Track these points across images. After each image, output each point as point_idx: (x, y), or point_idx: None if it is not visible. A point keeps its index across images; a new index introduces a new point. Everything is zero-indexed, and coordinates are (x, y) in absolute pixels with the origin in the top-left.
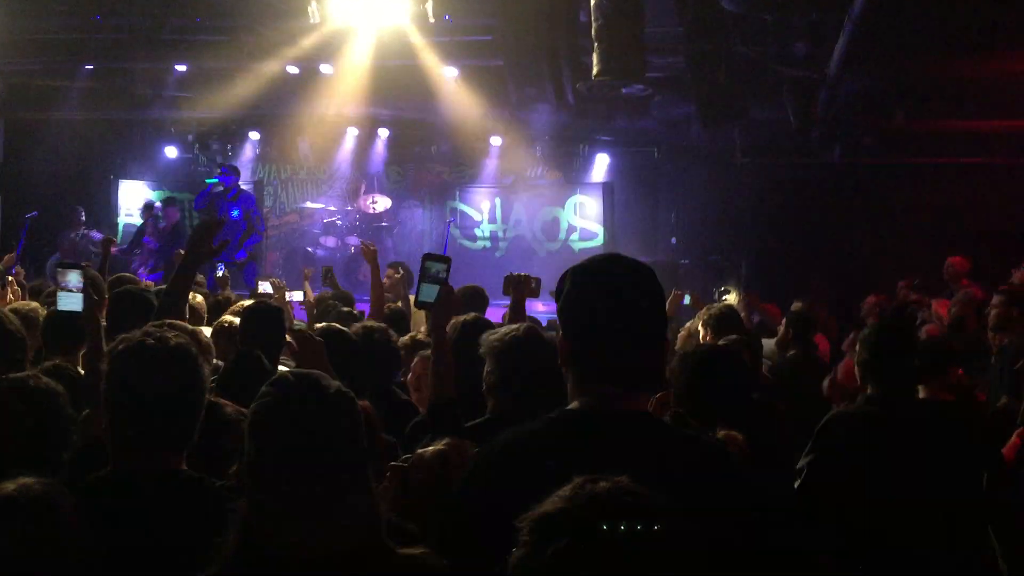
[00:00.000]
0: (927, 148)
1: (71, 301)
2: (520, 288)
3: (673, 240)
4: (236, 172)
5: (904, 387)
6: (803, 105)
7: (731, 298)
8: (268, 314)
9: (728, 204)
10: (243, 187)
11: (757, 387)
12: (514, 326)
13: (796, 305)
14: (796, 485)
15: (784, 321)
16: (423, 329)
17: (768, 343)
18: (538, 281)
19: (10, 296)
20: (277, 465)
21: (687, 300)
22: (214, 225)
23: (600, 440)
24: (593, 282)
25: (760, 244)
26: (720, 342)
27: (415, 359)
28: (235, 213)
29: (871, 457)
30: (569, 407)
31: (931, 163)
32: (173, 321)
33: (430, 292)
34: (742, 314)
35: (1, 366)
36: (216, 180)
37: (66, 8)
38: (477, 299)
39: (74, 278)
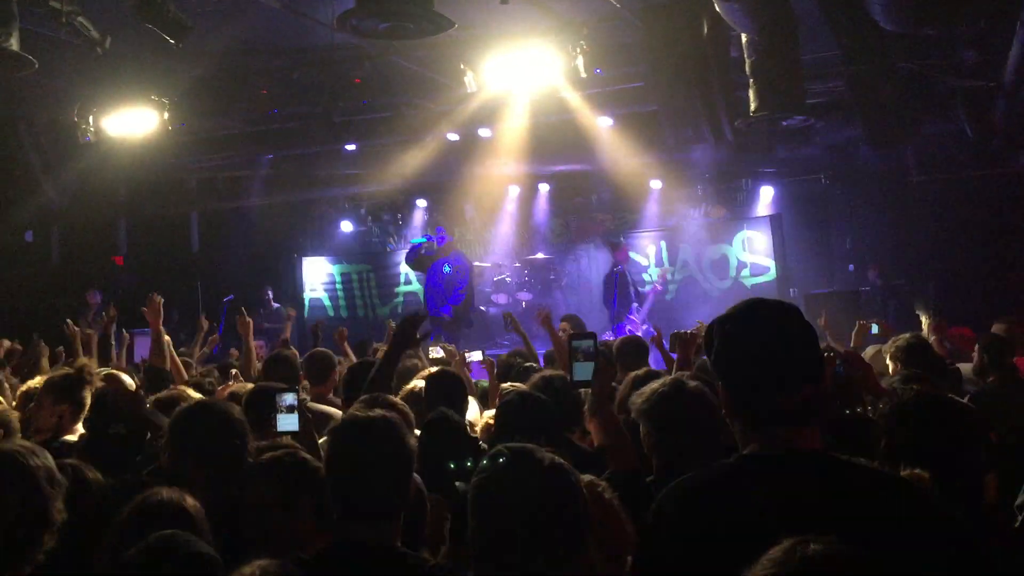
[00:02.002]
0: None
1: (288, 422)
2: (687, 346)
3: (851, 267)
4: (449, 232)
5: None
6: (979, 115)
7: (922, 323)
8: (451, 381)
9: (906, 225)
10: (455, 246)
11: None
12: (657, 383)
13: (996, 327)
14: (1017, 525)
15: (977, 347)
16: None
17: (966, 368)
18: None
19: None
20: (498, 539)
21: (875, 329)
22: (419, 318)
23: (784, 482)
24: (742, 329)
25: (946, 264)
26: (902, 383)
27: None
28: (447, 269)
29: None
30: (745, 452)
31: None
32: (384, 395)
33: (584, 371)
34: (932, 339)
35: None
36: (425, 240)
37: (245, 105)
38: (638, 350)
39: (289, 399)
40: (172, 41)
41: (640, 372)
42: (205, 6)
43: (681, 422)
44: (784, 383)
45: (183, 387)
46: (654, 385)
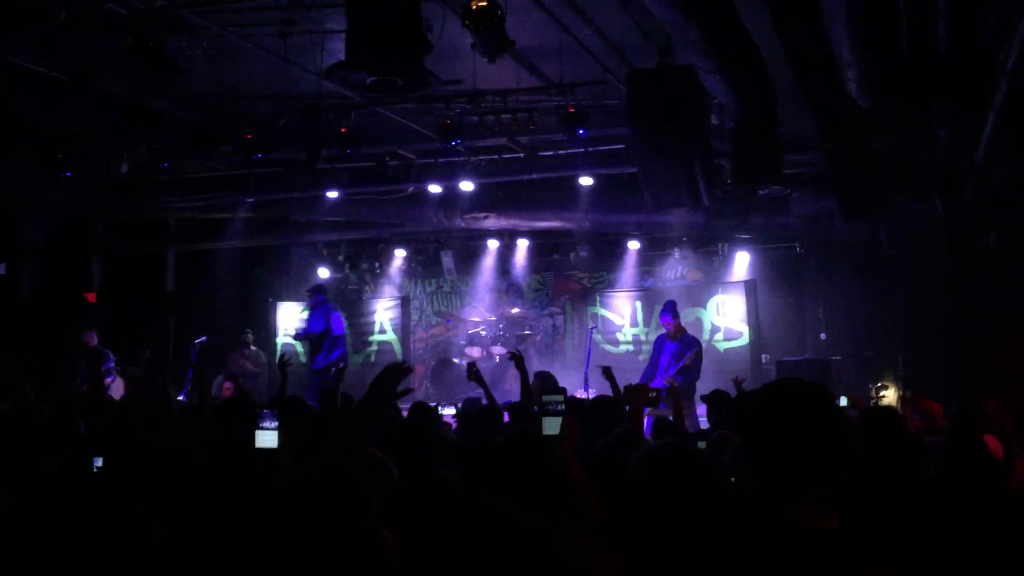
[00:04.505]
0: None
1: (268, 439)
2: (638, 398)
3: (823, 336)
4: (320, 290)
5: None
6: (951, 193)
7: (889, 395)
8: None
9: (879, 297)
10: (331, 302)
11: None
12: (655, 446)
13: (964, 402)
14: None
15: (946, 421)
16: None
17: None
18: (658, 392)
19: None
20: None
21: (844, 401)
22: (402, 370)
23: (791, 561)
24: (776, 409)
25: (916, 337)
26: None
27: None
28: (316, 328)
29: None
30: (764, 526)
31: None
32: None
33: (552, 425)
34: (901, 411)
35: None
36: (308, 306)
37: (229, 149)
38: (610, 410)
39: (270, 419)
40: (161, 82)
41: (612, 436)
42: (196, 49)
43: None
44: (815, 463)
45: None
46: (651, 447)
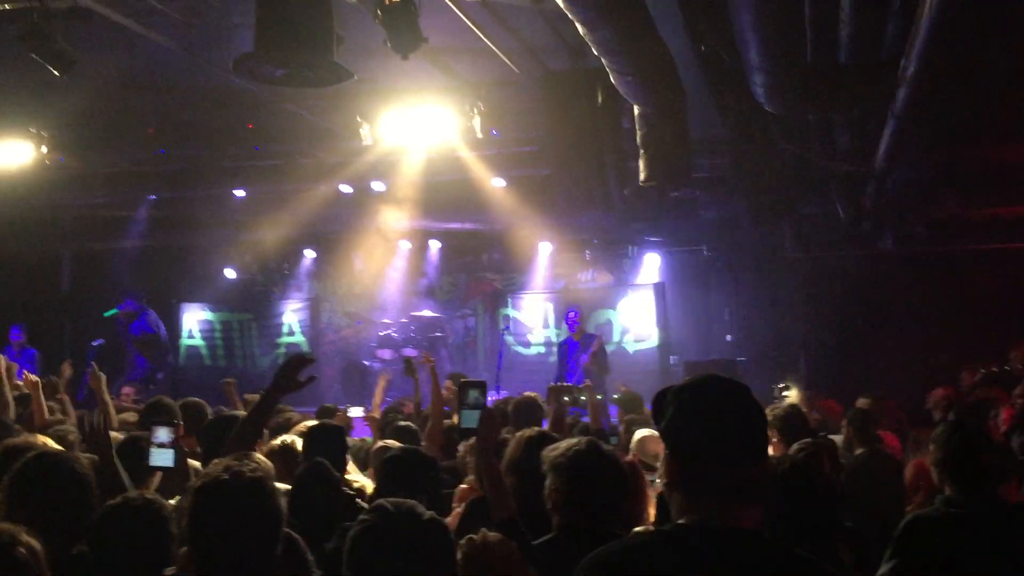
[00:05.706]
0: (980, 234)
1: (163, 458)
2: (561, 398)
3: (728, 337)
4: (134, 298)
5: (984, 487)
6: (851, 198)
7: (792, 395)
8: (331, 432)
9: (782, 299)
10: (148, 308)
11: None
12: (574, 440)
13: (861, 401)
14: None
15: (844, 420)
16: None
17: (837, 440)
18: (580, 389)
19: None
20: None
21: None
22: (303, 360)
23: (709, 557)
24: (699, 401)
25: (817, 338)
26: (796, 450)
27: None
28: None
29: (956, 561)
30: (679, 522)
31: (986, 249)
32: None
33: (471, 418)
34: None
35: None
36: (118, 310)
37: (130, 143)
38: (533, 409)
39: (163, 434)
40: (56, 73)
41: (532, 433)
42: (93, 39)
43: (595, 481)
44: (735, 459)
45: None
46: (571, 442)
